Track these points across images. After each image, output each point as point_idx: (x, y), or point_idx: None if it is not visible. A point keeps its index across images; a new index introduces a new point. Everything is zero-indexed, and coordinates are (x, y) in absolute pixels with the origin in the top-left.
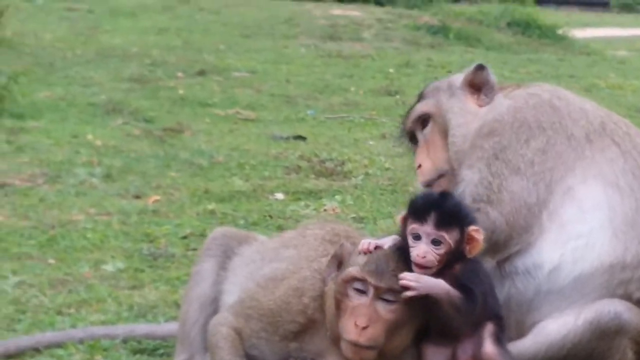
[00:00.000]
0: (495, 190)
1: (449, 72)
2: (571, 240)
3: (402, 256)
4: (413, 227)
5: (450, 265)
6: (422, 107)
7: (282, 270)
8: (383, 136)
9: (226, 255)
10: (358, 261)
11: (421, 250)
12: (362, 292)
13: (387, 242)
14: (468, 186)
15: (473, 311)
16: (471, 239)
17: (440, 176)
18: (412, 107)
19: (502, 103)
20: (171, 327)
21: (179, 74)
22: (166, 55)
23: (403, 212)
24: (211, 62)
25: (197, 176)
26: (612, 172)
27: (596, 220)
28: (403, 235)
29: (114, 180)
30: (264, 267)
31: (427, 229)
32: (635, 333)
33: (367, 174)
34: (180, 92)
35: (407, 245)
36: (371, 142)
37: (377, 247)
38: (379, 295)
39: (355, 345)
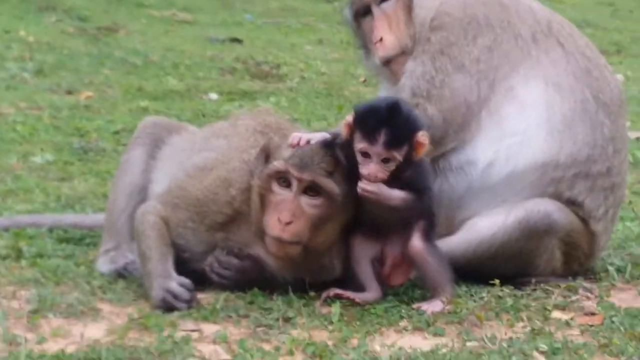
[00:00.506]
0: (437, 85)
1: None
2: (506, 138)
3: (329, 151)
4: (362, 146)
5: (399, 169)
6: None
7: (211, 160)
8: (320, 41)
9: (156, 144)
10: (284, 155)
11: (372, 170)
12: (286, 186)
13: (317, 137)
14: (410, 78)
15: (421, 209)
16: (419, 144)
17: (402, 52)
18: None
19: None
20: (98, 217)
21: None
22: None
23: (348, 119)
24: None
25: (130, 74)
26: (555, 72)
27: (533, 118)
28: (347, 141)
29: (46, 76)
30: (193, 156)
31: (377, 149)
32: (563, 233)
33: (302, 77)
34: None
35: (332, 143)
36: (308, 47)
37: (307, 142)
38: (303, 189)
39: (279, 240)
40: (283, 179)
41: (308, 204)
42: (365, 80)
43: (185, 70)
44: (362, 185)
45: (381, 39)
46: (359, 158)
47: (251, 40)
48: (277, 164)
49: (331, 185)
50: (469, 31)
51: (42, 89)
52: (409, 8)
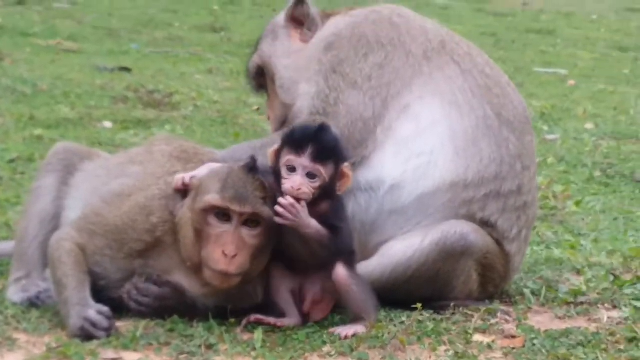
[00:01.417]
0: (332, 103)
1: (274, 10)
2: (413, 158)
3: (255, 177)
4: (289, 158)
5: (317, 202)
6: (252, 62)
7: (128, 186)
8: (210, 71)
9: (68, 171)
10: (212, 188)
11: (296, 182)
12: (225, 220)
13: (202, 171)
14: (306, 99)
15: (337, 248)
16: (343, 175)
17: (284, 122)
18: (247, 62)
19: (340, 21)
20: (3, 246)
21: None
22: None
23: (276, 145)
24: None
25: (20, 103)
26: (451, 90)
27: (436, 138)
28: (275, 168)
29: None
30: (109, 182)
31: (303, 161)
32: (480, 254)
33: (196, 106)
34: None
35: (254, 168)
36: (198, 77)
37: (192, 178)
38: (243, 221)
39: (226, 274)
40: (221, 212)
41: (249, 235)
42: (259, 109)
43: (76, 99)
44: (281, 200)
45: (268, 117)
46: (284, 173)
47: (140, 70)
48: (211, 199)
49: (269, 213)
50: (359, 49)
51: None
52: (274, 83)
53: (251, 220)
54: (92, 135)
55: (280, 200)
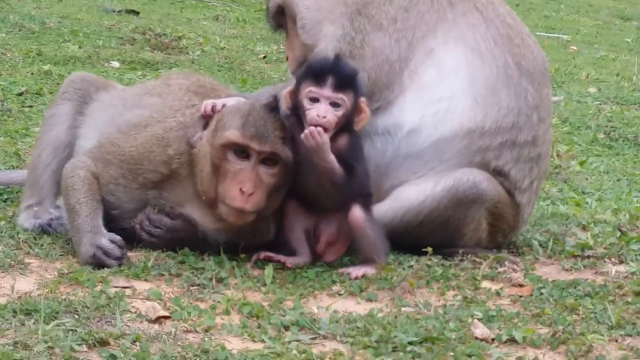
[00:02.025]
0: (358, 45)
1: None
2: (432, 103)
3: (276, 117)
4: (310, 89)
5: (336, 137)
6: (273, 1)
7: (145, 117)
8: (216, 18)
9: (84, 100)
10: (232, 123)
11: (321, 110)
12: (244, 157)
13: (229, 100)
14: (331, 41)
15: (351, 188)
16: (361, 110)
17: (304, 63)
18: (267, 1)
19: None
20: (14, 174)
21: None
22: None
23: (290, 86)
24: None
25: (28, 39)
26: (474, 37)
27: (457, 84)
28: (293, 108)
29: None
30: (125, 113)
31: (326, 92)
32: (491, 203)
33: (203, 50)
34: None
35: (275, 107)
36: (204, 22)
37: (222, 106)
38: (261, 159)
39: (241, 211)
40: (240, 149)
41: (266, 173)
42: (265, 57)
43: (84, 38)
44: (312, 129)
45: (287, 58)
46: (307, 104)
47: (147, 13)
48: (231, 135)
49: (288, 153)
50: None
51: None
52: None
53: (269, 159)
54: (101, 74)
55: (310, 128)
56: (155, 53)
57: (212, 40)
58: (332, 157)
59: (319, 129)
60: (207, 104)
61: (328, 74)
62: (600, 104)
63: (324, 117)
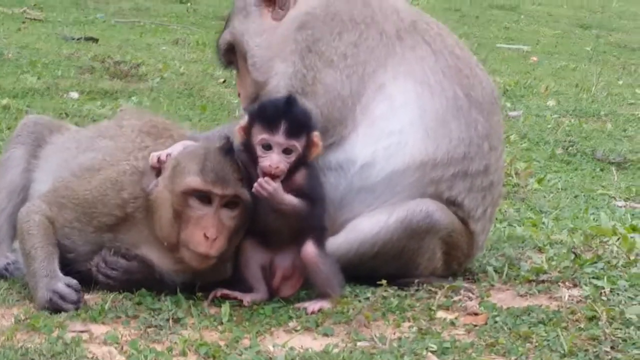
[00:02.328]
0: (310, 82)
1: None
2: (384, 137)
3: (231, 158)
4: (263, 137)
5: (292, 173)
6: (223, 38)
7: (98, 160)
8: (176, 42)
9: (37, 143)
10: (191, 169)
11: (274, 161)
12: (206, 202)
13: (175, 147)
14: (282, 79)
15: (315, 219)
16: (313, 144)
17: (255, 99)
18: (217, 39)
19: None
20: None
21: None
22: None
23: (242, 122)
24: None
25: None
26: (422, 70)
27: (407, 118)
28: (246, 144)
29: None
30: (79, 156)
31: (279, 139)
32: (445, 233)
33: (162, 77)
34: None
35: (230, 149)
36: (164, 48)
37: (167, 156)
38: (223, 203)
39: (206, 256)
40: (202, 195)
41: (228, 216)
42: (225, 81)
43: (43, 69)
44: (261, 181)
45: (239, 94)
46: (260, 152)
47: (106, 40)
48: (192, 182)
49: (247, 195)
50: (333, 27)
51: None
52: (246, 57)
53: (231, 202)
54: (59, 106)
55: (257, 182)
56: (114, 82)
57: (172, 65)
58: (288, 198)
59: (267, 179)
60: (153, 157)
61: (280, 120)
62: (559, 117)
63: (277, 167)
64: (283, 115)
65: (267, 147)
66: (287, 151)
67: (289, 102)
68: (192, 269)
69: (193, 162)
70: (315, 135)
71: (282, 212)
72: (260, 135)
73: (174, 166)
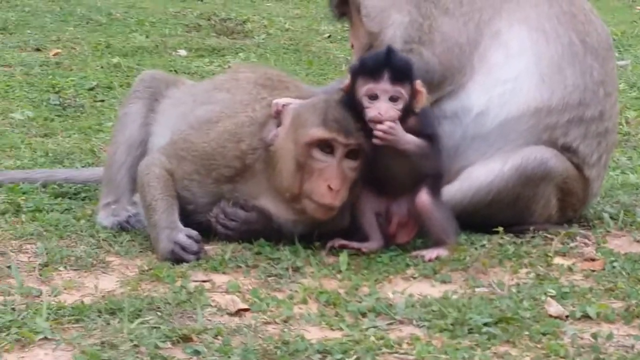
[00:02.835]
0: (427, 31)
1: None
2: (498, 85)
3: (352, 111)
4: (369, 87)
5: (403, 121)
6: None
7: (216, 112)
8: None
9: (154, 98)
10: (313, 120)
11: (382, 108)
12: (329, 151)
13: (296, 100)
14: (399, 29)
15: (436, 160)
16: (417, 93)
17: (369, 50)
18: None
19: None
20: (91, 172)
21: None
22: None
23: (346, 80)
24: None
25: (96, 31)
26: (537, 16)
27: (522, 65)
28: (352, 102)
29: (11, 33)
30: (196, 109)
31: (384, 86)
32: (559, 180)
33: (268, 33)
34: None
35: (349, 101)
36: (268, 4)
37: (285, 106)
38: (346, 153)
39: (330, 207)
40: (325, 145)
41: (350, 167)
42: (330, 36)
43: (151, 27)
44: (380, 127)
45: (352, 46)
46: (366, 103)
47: None
48: (317, 132)
49: (368, 144)
50: None
51: (9, 47)
52: (359, 7)
53: (352, 152)
54: (168, 63)
55: (379, 126)
56: (221, 39)
57: (277, 22)
58: (410, 137)
59: (387, 124)
60: (276, 104)
61: (384, 68)
62: None
63: (387, 113)
64: (385, 63)
65: (374, 97)
66: (393, 99)
67: (390, 51)
68: (312, 220)
69: (315, 113)
70: (418, 83)
71: (406, 153)
72: (365, 87)
73: (294, 117)
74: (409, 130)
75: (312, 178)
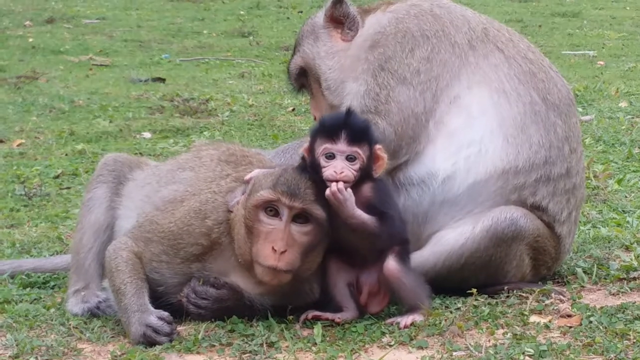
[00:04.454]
0: (383, 101)
1: (300, 12)
2: (463, 149)
3: (309, 177)
4: (326, 147)
5: (359, 186)
6: (293, 63)
7: (181, 192)
8: (242, 75)
9: (119, 181)
10: (265, 184)
11: (338, 167)
12: (274, 215)
13: (258, 172)
14: (355, 98)
15: (387, 235)
16: (377, 158)
17: None
18: (288, 64)
19: (382, 17)
20: (58, 260)
21: (27, 23)
22: (12, 4)
23: (306, 143)
24: (59, 9)
25: (59, 119)
26: (497, 77)
27: (486, 126)
28: (312, 164)
29: None
30: (161, 189)
31: (340, 146)
32: (531, 239)
33: (232, 110)
34: (30, 40)
35: (306, 168)
36: (231, 82)
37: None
38: (294, 217)
39: (274, 270)
40: (271, 208)
41: (298, 231)
42: (294, 109)
43: (114, 112)
44: (333, 187)
45: (315, 118)
46: (323, 162)
47: (173, 79)
48: (264, 194)
49: (319, 211)
50: (405, 44)
51: None
52: (319, 80)
53: (301, 217)
54: (133, 147)
55: (332, 186)
56: (184, 119)
57: (240, 98)
58: (359, 212)
59: (340, 184)
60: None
61: (340, 128)
62: (633, 118)
63: (341, 172)
64: (343, 124)
65: (330, 156)
66: (350, 158)
67: (348, 112)
68: (277, 290)
69: (269, 178)
70: (380, 148)
71: (352, 228)
72: (322, 146)
73: (252, 185)
74: (363, 200)
75: (259, 241)
